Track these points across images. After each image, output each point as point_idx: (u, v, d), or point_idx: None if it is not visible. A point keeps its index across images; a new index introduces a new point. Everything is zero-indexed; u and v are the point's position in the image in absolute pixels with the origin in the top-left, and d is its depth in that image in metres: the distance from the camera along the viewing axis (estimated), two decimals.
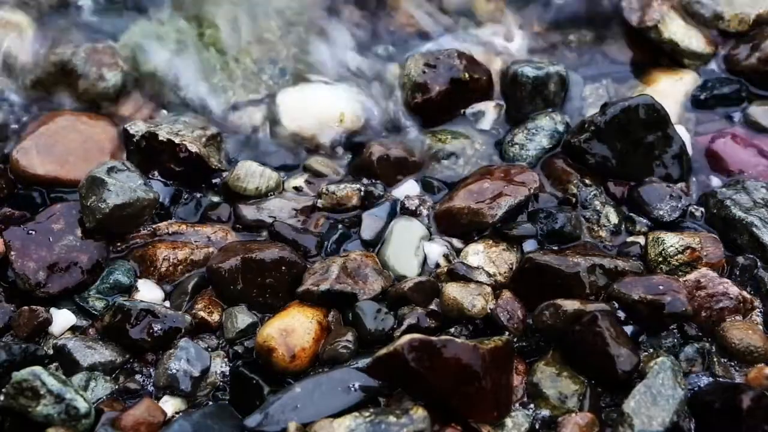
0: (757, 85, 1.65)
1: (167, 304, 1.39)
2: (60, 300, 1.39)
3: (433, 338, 1.19)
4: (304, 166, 1.57)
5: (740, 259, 1.40)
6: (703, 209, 1.48)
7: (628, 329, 1.30)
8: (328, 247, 1.45)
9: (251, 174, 1.51)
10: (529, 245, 1.43)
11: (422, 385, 1.19)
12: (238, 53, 1.70)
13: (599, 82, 1.67)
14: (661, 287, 1.28)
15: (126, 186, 1.41)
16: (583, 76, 1.67)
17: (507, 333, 1.31)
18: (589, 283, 1.33)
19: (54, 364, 1.32)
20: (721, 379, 1.29)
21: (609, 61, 1.71)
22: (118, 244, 1.45)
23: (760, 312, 1.36)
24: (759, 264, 1.40)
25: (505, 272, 1.40)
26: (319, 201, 1.51)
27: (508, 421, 1.24)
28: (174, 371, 1.28)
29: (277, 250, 1.39)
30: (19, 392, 1.16)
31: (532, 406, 1.27)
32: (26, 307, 1.35)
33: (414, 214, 1.48)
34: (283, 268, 1.38)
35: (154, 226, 1.46)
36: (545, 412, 1.26)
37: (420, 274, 1.41)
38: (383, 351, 1.20)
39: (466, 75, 1.59)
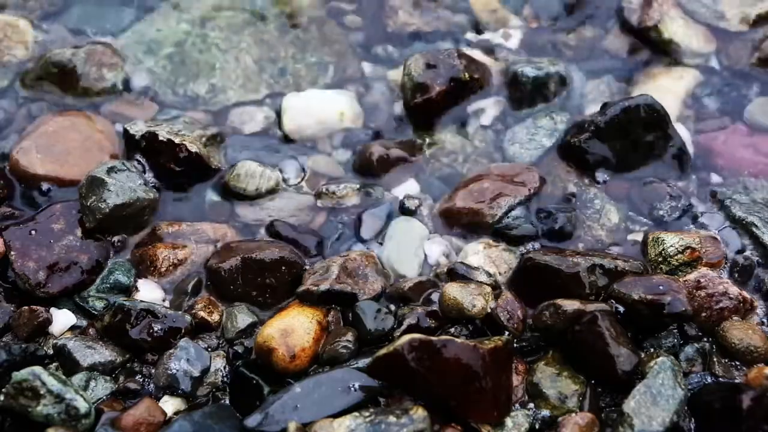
0: (757, 85, 1.65)
1: (167, 304, 1.39)
2: (60, 300, 1.39)
3: (433, 338, 1.19)
4: (304, 165, 1.56)
5: (740, 259, 1.40)
6: (703, 209, 1.48)
7: None
8: (328, 247, 1.45)
9: (251, 174, 1.51)
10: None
11: (422, 385, 1.19)
12: (238, 53, 1.70)
13: (599, 82, 1.66)
14: (661, 287, 1.28)
15: (126, 186, 1.41)
16: (584, 76, 1.67)
17: (507, 333, 1.31)
18: (589, 283, 1.33)
19: (54, 364, 1.32)
20: (721, 379, 1.29)
21: (609, 60, 1.70)
22: (118, 244, 1.45)
23: (760, 312, 1.36)
24: (759, 264, 1.40)
25: (505, 272, 1.40)
26: (319, 201, 1.51)
27: (508, 421, 1.24)
28: (174, 371, 1.28)
29: (277, 250, 1.39)
30: (19, 392, 1.17)
31: (532, 406, 1.27)
32: (26, 307, 1.35)
33: (414, 213, 1.48)
34: (283, 268, 1.38)
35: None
36: (545, 412, 1.26)
37: (420, 274, 1.41)
38: (383, 351, 1.20)
39: (466, 75, 1.59)
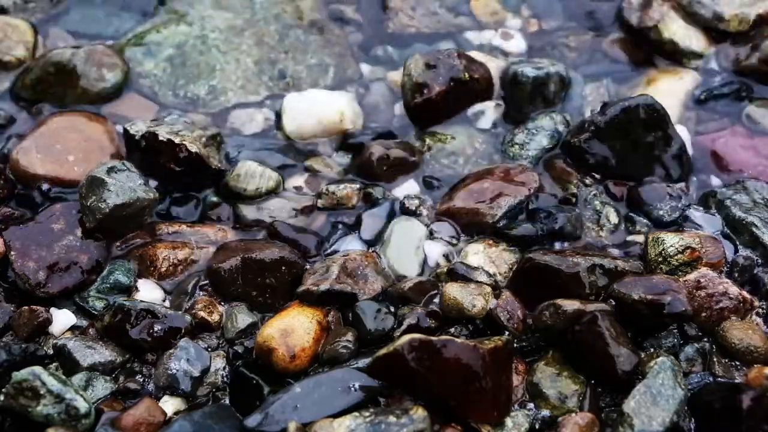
0: (757, 86, 1.65)
1: (167, 304, 1.39)
2: (60, 300, 1.39)
3: (433, 338, 1.19)
4: (304, 166, 1.56)
5: (740, 259, 1.40)
6: (703, 209, 1.48)
7: None
8: (328, 247, 1.45)
9: (251, 174, 1.51)
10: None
11: (422, 385, 1.19)
12: (238, 54, 1.70)
13: (599, 82, 1.66)
14: (661, 287, 1.28)
15: (126, 186, 1.41)
16: (584, 76, 1.67)
17: (507, 333, 1.31)
18: (589, 283, 1.32)
19: (54, 364, 1.32)
20: (721, 379, 1.29)
21: (609, 60, 1.70)
22: (118, 244, 1.45)
23: (760, 312, 1.36)
24: (759, 264, 1.40)
25: (505, 272, 1.40)
26: (319, 201, 1.51)
27: (508, 421, 1.24)
28: (174, 371, 1.28)
29: (277, 250, 1.39)
30: (19, 392, 1.16)
31: (532, 406, 1.27)
32: (26, 307, 1.35)
33: (414, 213, 1.48)
34: (283, 268, 1.38)
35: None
36: (545, 412, 1.26)
37: (420, 274, 1.42)
38: (383, 351, 1.20)
39: (466, 75, 1.59)
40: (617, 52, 1.71)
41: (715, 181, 1.54)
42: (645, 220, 1.47)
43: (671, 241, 1.38)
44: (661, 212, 1.47)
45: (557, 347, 1.30)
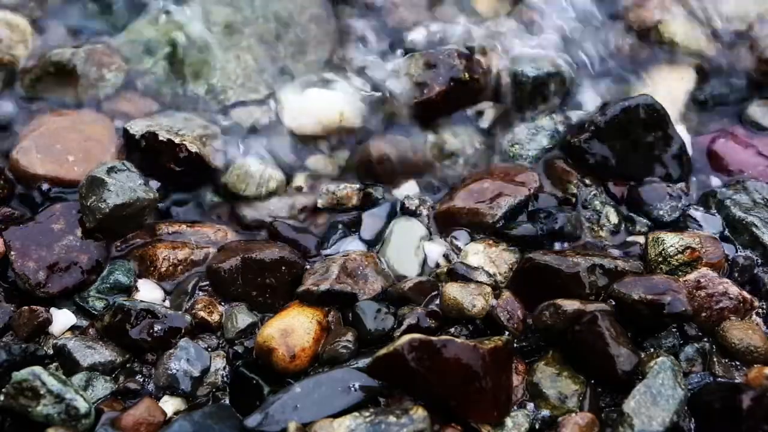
0: (758, 85, 1.65)
1: (167, 304, 1.39)
2: (60, 300, 1.39)
3: (433, 338, 1.19)
4: (304, 165, 1.56)
5: (740, 259, 1.41)
6: (703, 209, 1.48)
7: None
8: (328, 247, 1.45)
9: (251, 174, 1.51)
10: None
11: (422, 385, 1.19)
12: (238, 52, 1.70)
13: (600, 82, 1.66)
14: (661, 287, 1.28)
15: (126, 186, 1.41)
16: (584, 76, 1.67)
17: (507, 333, 1.31)
18: (589, 283, 1.32)
19: (54, 364, 1.32)
20: (721, 379, 1.29)
21: (609, 60, 1.70)
22: (118, 244, 1.45)
23: (760, 312, 1.36)
24: (759, 264, 1.41)
25: (505, 272, 1.40)
26: (319, 201, 1.51)
27: (508, 421, 1.24)
28: (174, 371, 1.28)
29: (277, 250, 1.39)
30: (19, 392, 1.16)
31: (532, 406, 1.27)
32: (26, 307, 1.35)
33: (414, 214, 1.48)
34: (283, 268, 1.38)
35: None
36: (545, 412, 1.26)
37: (420, 274, 1.42)
38: (383, 351, 1.20)
39: (466, 75, 1.59)
40: (617, 52, 1.71)
41: (715, 181, 1.55)
42: (645, 220, 1.47)
43: (671, 241, 1.38)
44: (661, 212, 1.47)
45: (557, 347, 1.30)
